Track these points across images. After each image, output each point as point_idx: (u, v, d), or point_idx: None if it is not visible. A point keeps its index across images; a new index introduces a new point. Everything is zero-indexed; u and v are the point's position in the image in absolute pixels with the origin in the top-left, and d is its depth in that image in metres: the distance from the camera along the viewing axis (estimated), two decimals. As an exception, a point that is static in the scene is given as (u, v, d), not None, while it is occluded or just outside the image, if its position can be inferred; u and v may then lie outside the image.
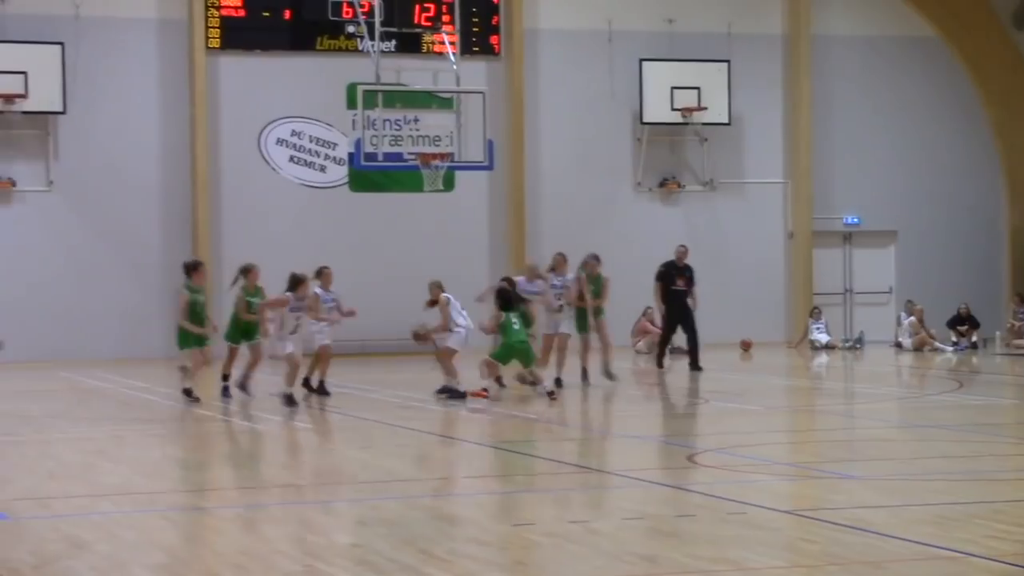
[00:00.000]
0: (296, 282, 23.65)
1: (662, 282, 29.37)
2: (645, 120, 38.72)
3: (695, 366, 28.93)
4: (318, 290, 24.59)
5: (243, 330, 24.89)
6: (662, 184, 39.10)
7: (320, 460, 19.41)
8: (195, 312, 24.21)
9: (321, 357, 24.99)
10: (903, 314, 37.94)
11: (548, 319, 26.51)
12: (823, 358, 35.56)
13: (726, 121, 39.06)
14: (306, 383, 25.29)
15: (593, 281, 27.29)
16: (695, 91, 38.61)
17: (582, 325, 27.09)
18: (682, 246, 29.96)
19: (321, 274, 24.89)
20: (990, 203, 40.83)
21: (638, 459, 18.23)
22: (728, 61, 38.98)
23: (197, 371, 24.45)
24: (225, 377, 25.06)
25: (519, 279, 26.71)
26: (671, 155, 39.32)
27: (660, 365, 29.85)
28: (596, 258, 27.30)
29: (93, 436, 20.55)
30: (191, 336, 24.23)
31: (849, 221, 39.81)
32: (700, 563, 11.56)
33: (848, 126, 40.34)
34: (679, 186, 39.14)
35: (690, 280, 29.22)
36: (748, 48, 39.59)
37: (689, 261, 28.59)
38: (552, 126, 38.59)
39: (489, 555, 12.31)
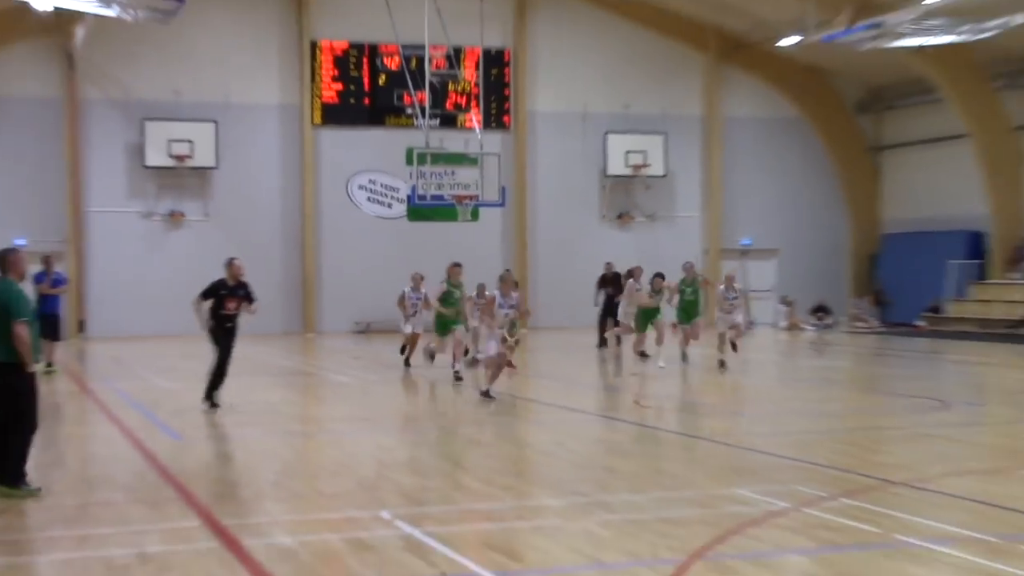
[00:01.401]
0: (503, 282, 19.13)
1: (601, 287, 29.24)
2: (608, 173, 38.89)
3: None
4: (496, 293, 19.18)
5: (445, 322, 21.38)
6: (619, 216, 39.35)
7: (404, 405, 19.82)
8: (449, 302, 21.24)
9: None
10: (780, 305, 38.68)
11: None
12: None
13: (663, 174, 39.16)
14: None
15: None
16: (642, 153, 38.78)
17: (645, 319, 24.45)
18: (608, 263, 30.06)
19: (503, 280, 19.39)
20: (838, 231, 41.16)
21: (605, 403, 18.65)
22: (665, 133, 39.14)
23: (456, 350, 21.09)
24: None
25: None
26: (626, 197, 39.53)
27: (603, 344, 28.22)
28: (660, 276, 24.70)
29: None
30: (446, 321, 21.19)
31: (744, 242, 40.20)
32: (646, 472, 12.15)
33: (744, 178, 40.59)
34: (631, 218, 39.51)
35: (618, 284, 28.12)
36: (678, 125, 39.78)
37: (635, 271, 28.03)
38: (545, 177, 38.80)
39: (501, 465, 12.90)
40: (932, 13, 29.71)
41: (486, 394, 17.72)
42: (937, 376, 23.90)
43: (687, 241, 39.13)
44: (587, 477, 12.06)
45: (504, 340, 17.97)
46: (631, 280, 25.88)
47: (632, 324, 25.09)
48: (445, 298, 21.27)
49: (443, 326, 21.42)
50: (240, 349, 17.44)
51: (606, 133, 38.98)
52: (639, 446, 14.16)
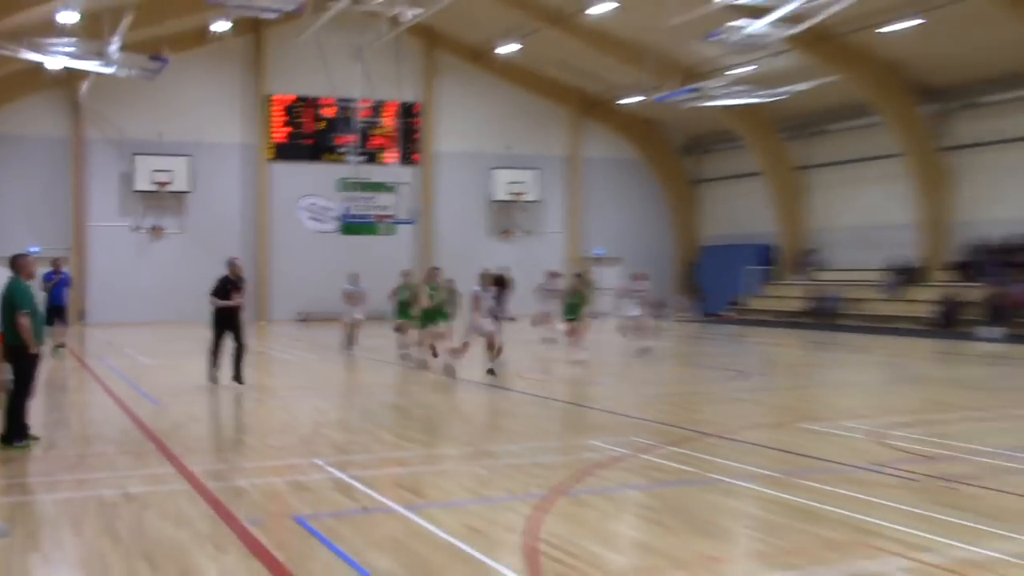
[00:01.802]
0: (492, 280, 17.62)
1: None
2: (494, 199, 39.11)
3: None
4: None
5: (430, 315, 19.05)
6: (503, 232, 39.54)
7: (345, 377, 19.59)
8: (433, 299, 19.00)
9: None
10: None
11: None
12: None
13: (537, 200, 39.54)
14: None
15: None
16: (521, 184, 39.12)
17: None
18: (486, 270, 26.30)
19: (483, 277, 17.58)
20: (667, 244, 41.75)
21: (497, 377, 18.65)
22: (539, 168, 39.45)
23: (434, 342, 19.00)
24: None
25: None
26: (508, 217, 39.67)
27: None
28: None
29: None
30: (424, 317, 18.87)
31: (597, 252, 40.51)
32: (522, 428, 12.11)
33: (598, 203, 40.99)
34: (512, 234, 39.65)
35: (504, 285, 26.92)
36: (548, 162, 40.03)
37: (515, 276, 27.71)
38: (446, 202, 38.76)
39: (412, 424, 12.78)
40: (737, 81, 30.31)
41: (491, 372, 16.84)
42: (739, 353, 24.25)
43: (555, 251, 39.44)
44: (478, 432, 12.06)
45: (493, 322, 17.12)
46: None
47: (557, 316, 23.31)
48: (430, 296, 19.01)
49: (427, 319, 18.83)
50: (201, 333, 17.07)
51: (492, 168, 39.14)
52: (518, 409, 14.17)
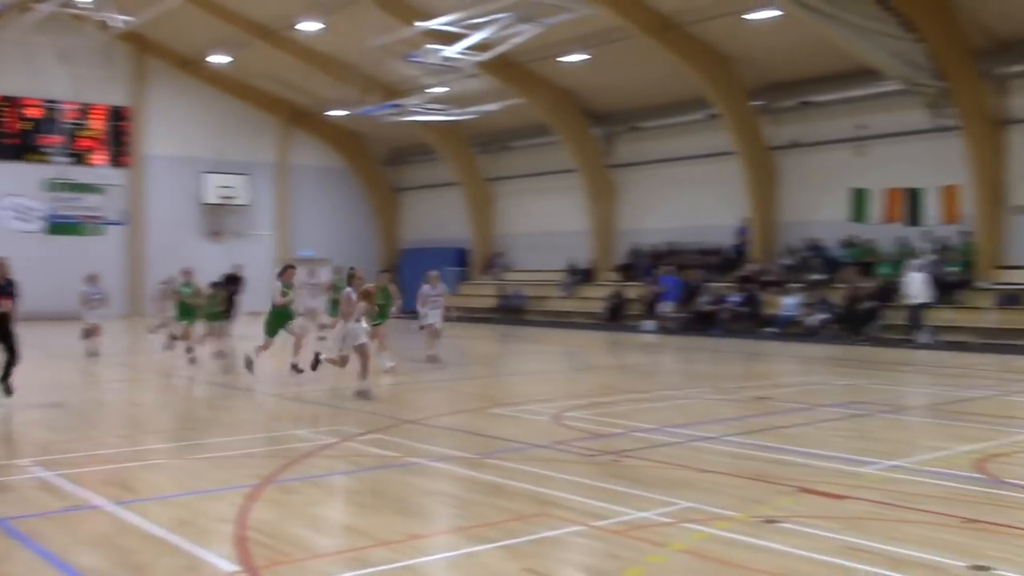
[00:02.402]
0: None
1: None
2: (205, 202, 37.61)
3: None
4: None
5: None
6: (214, 234, 38.05)
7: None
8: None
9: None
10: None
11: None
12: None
13: (248, 203, 38.40)
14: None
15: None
16: (232, 188, 37.86)
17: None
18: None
19: (354, 278, 14.28)
20: (372, 246, 41.70)
21: (211, 371, 17.84)
22: (249, 174, 38.36)
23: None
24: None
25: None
26: (219, 219, 38.25)
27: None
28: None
29: None
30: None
31: (306, 253, 39.77)
32: (233, 421, 11.60)
33: (308, 207, 40.38)
34: (223, 235, 38.21)
35: (238, 282, 24.98)
36: (259, 168, 39.00)
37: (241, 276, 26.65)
38: (157, 204, 36.77)
39: (120, 420, 11.99)
40: (433, 100, 30.72)
41: (364, 394, 13.11)
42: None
43: (265, 253, 38.38)
44: (190, 427, 11.47)
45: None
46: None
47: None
48: (283, 294, 16.24)
49: (276, 322, 16.17)
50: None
51: (203, 172, 37.56)
52: (232, 403, 13.65)
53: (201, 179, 37.53)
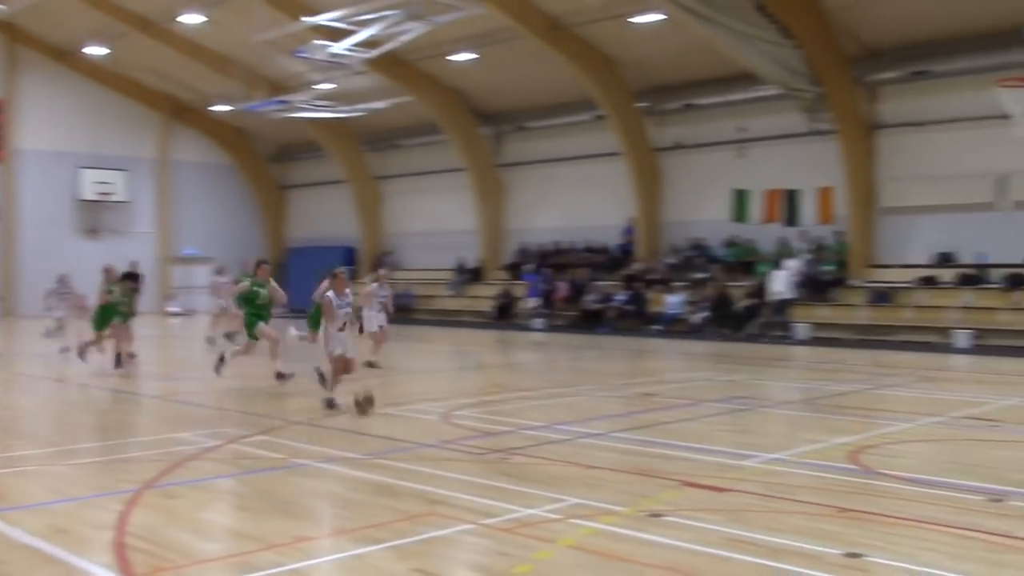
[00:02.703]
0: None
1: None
2: (81, 198, 36.28)
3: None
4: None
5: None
6: (91, 231, 36.75)
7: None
8: (250, 298, 14.74)
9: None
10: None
11: None
12: (177, 321, 34.47)
13: (127, 200, 37.23)
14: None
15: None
16: (110, 184, 36.63)
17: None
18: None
19: (335, 278, 12.33)
20: (259, 245, 40.85)
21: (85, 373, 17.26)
22: (128, 170, 37.19)
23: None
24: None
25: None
26: (96, 216, 36.95)
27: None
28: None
29: None
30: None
31: (189, 252, 38.87)
32: (110, 424, 11.17)
33: (191, 205, 39.39)
34: (100, 232, 36.91)
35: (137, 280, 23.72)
36: (138, 164, 37.87)
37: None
38: (31, 199, 35.39)
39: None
40: (321, 97, 30.33)
41: (331, 403, 11.89)
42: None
43: (145, 250, 37.18)
44: (63, 431, 11.04)
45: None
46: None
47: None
48: (250, 296, 14.70)
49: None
50: None
51: (80, 167, 36.21)
52: (111, 406, 13.19)
53: (77, 174, 36.18)
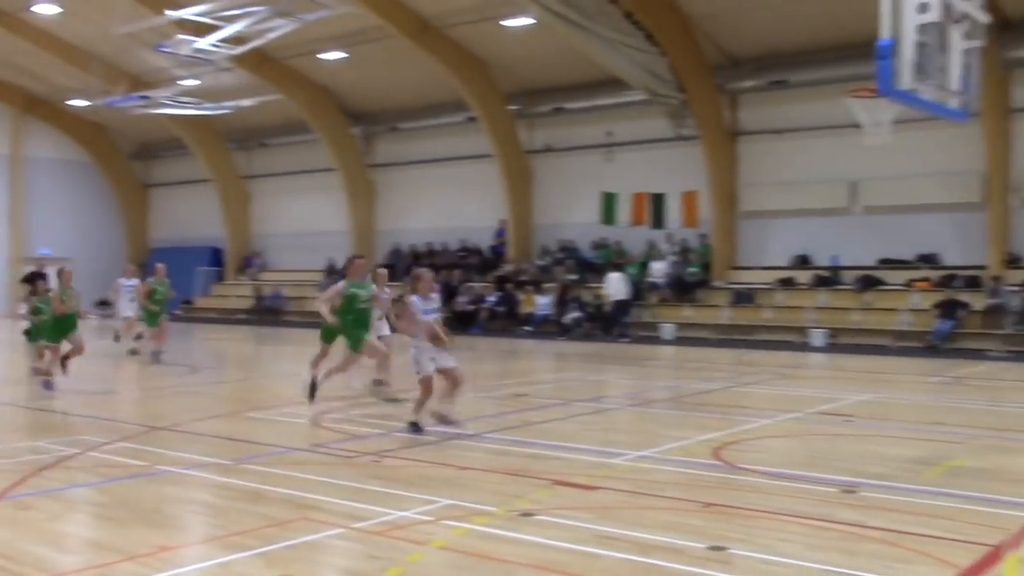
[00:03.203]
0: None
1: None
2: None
3: None
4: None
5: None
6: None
7: None
8: (355, 301, 12.14)
9: None
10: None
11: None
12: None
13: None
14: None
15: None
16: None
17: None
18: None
19: (419, 279, 10.57)
20: (119, 245, 39.43)
21: None
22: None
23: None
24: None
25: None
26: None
27: None
28: None
29: None
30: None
31: (43, 252, 37.12)
32: None
33: (47, 204, 37.77)
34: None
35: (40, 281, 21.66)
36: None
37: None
38: None
39: None
40: (185, 93, 29.44)
41: (415, 426, 10.20)
42: (190, 349, 23.58)
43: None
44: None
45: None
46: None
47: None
48: (348, 300, 12.12)
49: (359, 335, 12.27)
50: None
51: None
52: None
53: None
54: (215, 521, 6.84)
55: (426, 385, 10.14)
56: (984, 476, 8.15)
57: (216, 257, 37.54)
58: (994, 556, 5.80)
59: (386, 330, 13.72)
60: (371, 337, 12.28)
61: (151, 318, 18.42)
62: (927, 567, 5.63)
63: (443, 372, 10.18)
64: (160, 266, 19.75)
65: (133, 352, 19.42)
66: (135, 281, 20.20)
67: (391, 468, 8.50)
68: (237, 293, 35.43)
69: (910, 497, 7.33)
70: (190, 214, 38.89)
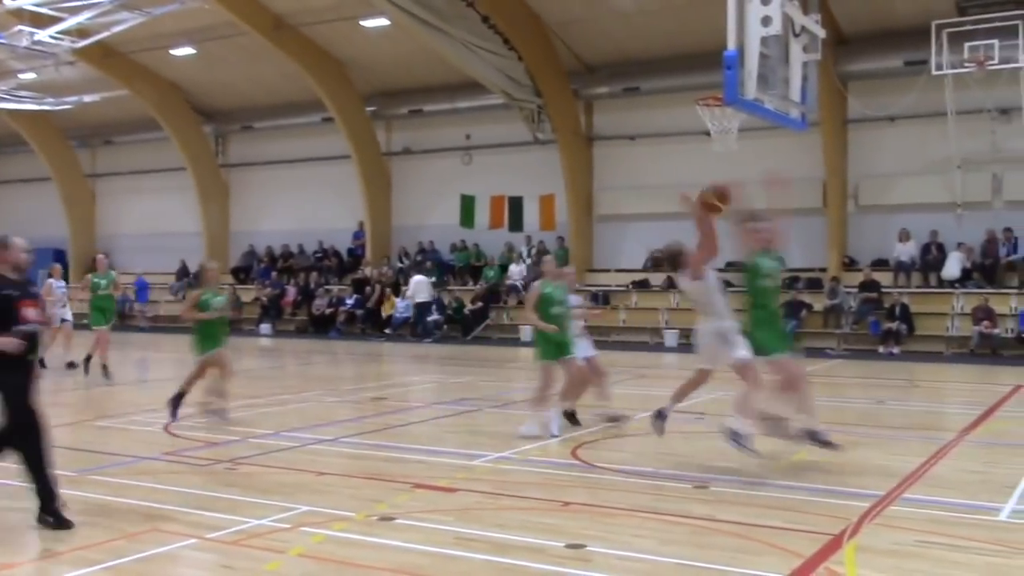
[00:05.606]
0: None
1: None
2: None
3: None
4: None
5: None
6: None
7: None
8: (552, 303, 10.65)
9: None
10: None
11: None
12: None
13: None
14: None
15: None
16: None
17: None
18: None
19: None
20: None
21: None
22: None
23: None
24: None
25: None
26: None
27: None
28: None
29: None
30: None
31: None
32: None
33: None
34: None
35: None
36: None
37: None
38: None
39: None
40: (23, 87, 28.06)
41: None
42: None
43: None
44: None
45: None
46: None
47: None
48: (543, 307, 10.64)
49: (553, 348, 10.62)
50: None
51: None
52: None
53: None
54: (58, 536, 6.51)
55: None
56: (827, 469, 8.54)
57: (61, 258, 35.80)
58: (835, 544, 6.10)
59: (591, 349, 11.55)
60: (576, 357, 10.78)
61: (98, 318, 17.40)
62: (774, 557, 5.86)
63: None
64: (57, 266, 18.73)
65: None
66: (63, 283, 18.94)
67: (247, 475, 8.31)
68: (81, 296, 33.89)
69: (759, 491, 7.63)
70: (30, 213, 36.96)
